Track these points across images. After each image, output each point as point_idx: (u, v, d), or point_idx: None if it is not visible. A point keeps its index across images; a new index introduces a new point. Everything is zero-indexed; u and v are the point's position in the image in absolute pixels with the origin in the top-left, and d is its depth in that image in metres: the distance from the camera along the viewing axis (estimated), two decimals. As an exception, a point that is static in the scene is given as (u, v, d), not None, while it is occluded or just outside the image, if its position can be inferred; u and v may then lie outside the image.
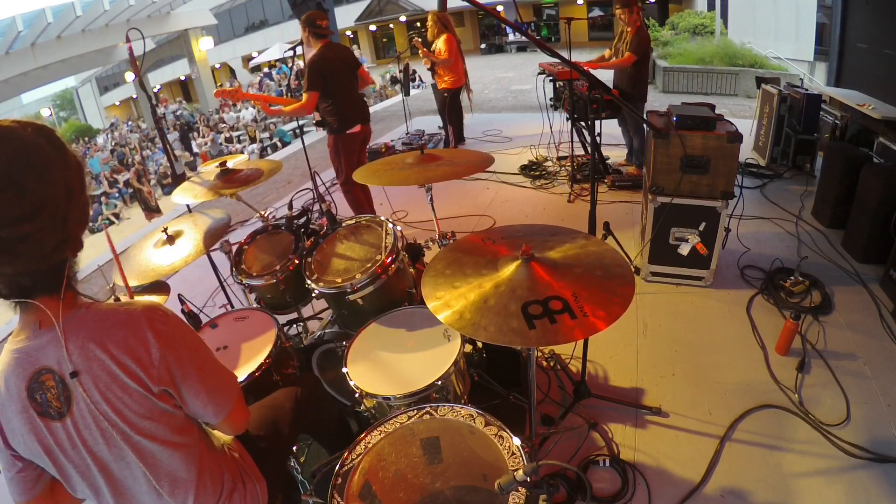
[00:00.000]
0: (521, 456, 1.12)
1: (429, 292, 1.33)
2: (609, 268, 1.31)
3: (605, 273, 1.30)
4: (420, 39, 5.07)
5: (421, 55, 5.19)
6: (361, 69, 3.54)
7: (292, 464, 1.75)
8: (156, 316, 0.94)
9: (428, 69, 5.51)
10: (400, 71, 6.59)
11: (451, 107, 5.53)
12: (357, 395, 1.55)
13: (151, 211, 10.34)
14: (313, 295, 1.94)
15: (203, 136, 14.98)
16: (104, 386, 0.89)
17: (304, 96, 3.17)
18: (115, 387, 0.89)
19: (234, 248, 2.23)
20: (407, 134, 6.45)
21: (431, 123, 7.14)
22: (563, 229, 1.54)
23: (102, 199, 12.28)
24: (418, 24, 22.80)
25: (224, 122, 15.96)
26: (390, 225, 2.00)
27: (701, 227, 2.68)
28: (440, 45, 5.14)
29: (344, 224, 2.13)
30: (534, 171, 4.83)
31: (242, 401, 1.13)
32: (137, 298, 1.02)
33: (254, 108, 15.81)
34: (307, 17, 3.29)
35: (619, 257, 1.37)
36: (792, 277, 2.73)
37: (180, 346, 0.95)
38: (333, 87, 3.24)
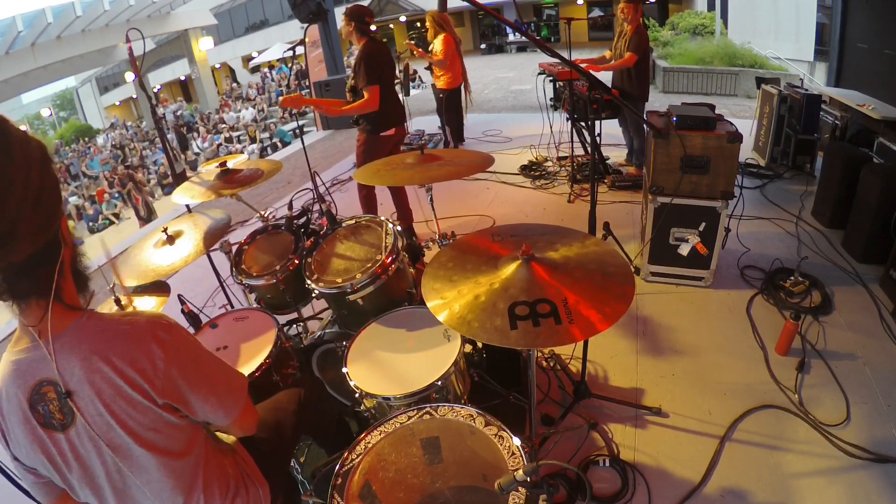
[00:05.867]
0: (521, 456, 1.12)
1: (427, 283, 1.35)
2: (611, 276, 1.30)
3: (605, 280, 1.29)
4: (413, 41, 5.07)
5: (416, 55, 5.18)
6: None
7: (292, 464, 1.75)
8: (160, 327, 0.94)
9: (426, 68, 5.51)
10: (400, 71, 6.58)
11: (448, 107, 5.52)
12: (357, 395, 1.55)
13: (142, 220, 9.98)
14: (313, 295, 1.94)
15: (202, 138, 14.95)
16: (108, 398, 0.88)
17: (366, 93, 3.04)
18: (119, 399, 0.89)
19: (234, 249, 2.23)
20: (407, 134, 6.45)
21: (431, 123, 7.12)
22: (569, 230, 1.54)
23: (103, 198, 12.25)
24: (418, 24, 22.83)
25: (224, 123, 15.94)
26: (390, 225, 2.00)
27: (701, 228, 2.68)
28: (438, 44, 5.15)
29: (344, 224, 2.13)
30: (534, 171, 4.83)
31: (250, 400, 1.14)
32: (138, 309, 1.00)
33: (254, 108, 15.80)
34: (355, 12, 3.13)
35: (623, 266, 1.35)
36: (792, 277, 2.72)
37: (185, 357, 0.96)
38: (380, 83, 3.09)
